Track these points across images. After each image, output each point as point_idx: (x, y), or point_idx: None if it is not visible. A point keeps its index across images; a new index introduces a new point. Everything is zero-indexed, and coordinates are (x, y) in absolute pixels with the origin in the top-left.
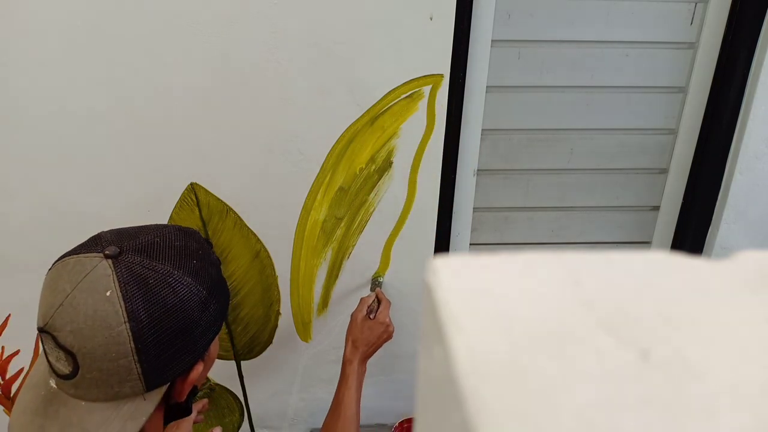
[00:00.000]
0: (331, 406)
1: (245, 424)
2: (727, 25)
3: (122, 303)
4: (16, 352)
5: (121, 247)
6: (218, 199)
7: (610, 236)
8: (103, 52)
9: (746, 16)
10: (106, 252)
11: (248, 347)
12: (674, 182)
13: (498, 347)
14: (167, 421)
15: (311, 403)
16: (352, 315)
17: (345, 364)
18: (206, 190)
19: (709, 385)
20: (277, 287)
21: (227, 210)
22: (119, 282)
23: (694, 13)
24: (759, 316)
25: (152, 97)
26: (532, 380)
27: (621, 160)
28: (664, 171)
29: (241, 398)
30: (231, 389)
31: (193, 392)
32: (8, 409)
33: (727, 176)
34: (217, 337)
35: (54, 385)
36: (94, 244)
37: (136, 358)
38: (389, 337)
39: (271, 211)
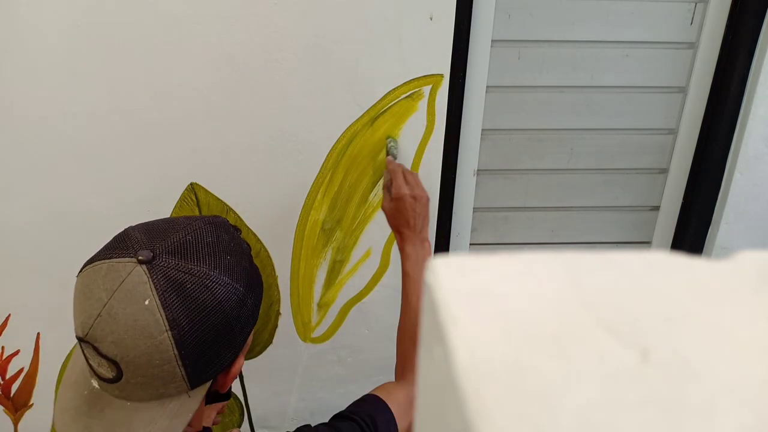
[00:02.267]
0: (401, 304)
1: (245, 424)
2: (727, 25)
3: (162, 311)
4: (16, 352)
5: (153, 249)
6: (218, 199)
7: (610, 236)
8: (103, 53)
9: (746, 16)
10: (140, 257)
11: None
12: (674, 182)
13: (498, 347)
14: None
15: (311, 403)
16: (382, 207)
17: (401, 252)
18: (206, 190)
19: (709, 385)
20: (277, 287)
21: (227, 210)
22: (156, 290)
23: (694, 13)
24: (759, 316)
25: (152, 97)
26: (532, 380)
27: (621, 160)
28: (664, 171)
29: (241, 398)
30: (231, 389)
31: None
32: (8, 409)
33: (727, 176)
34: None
35: (97, 386)
36: (124, 246)
37: (179, 363)
38: (420, 200)
39: (271, 211)
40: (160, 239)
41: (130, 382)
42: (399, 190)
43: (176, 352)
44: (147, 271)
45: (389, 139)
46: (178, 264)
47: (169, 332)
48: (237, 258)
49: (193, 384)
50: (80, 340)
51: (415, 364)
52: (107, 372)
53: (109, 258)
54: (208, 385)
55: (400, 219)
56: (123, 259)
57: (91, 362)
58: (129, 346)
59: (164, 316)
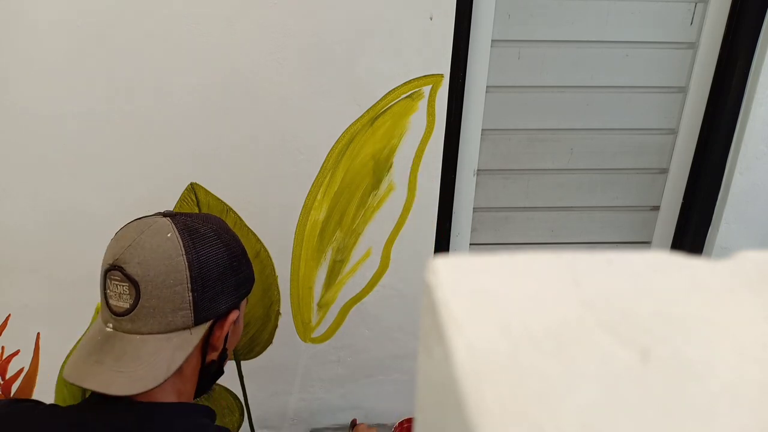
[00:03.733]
0: None
1: (245, 424)
2: (727, 25)
3: (180, 241)
4: (16, 352)
5: (173, 215)
6: (218, 199)
7: (610, 236)
8: (104, 53)
9: (746, 16)
10: (164, 213)
11: (248, 347)
12: (674, 182)
13: (498, 347)
14: (203, 382)
15: (311, 403)
16: None
17: None
18: (206, 190)
19: (709, 385)
20: (277, 287)
21: (227, 210)
22: (177, 230)
23: (694, 13)
24: (759, 316)
25: (153, 98)
26: (532, 380)
27: (621, 160)
28: (664, 171)
29: (241, 398)
30: (231, 389)
31: (224, 356)
32: None
33: (727, 176)
34: (244, 306)
35: (110, 328)
36: (148, 215)
37: (189, 286)
38: None
39: (271, 211)
40: (177, 215)
41: (145, 306)
42: None
43: (188, 273)
44: (170, 220)
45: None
46: (194, 223)
47: (184, 256)
48: (235, 238)
49: (197, 318)
50: (110, 268)
51: None
52: (125, 302)
53: (138, 219)
54: (207, 326)
55: None
56: (151, 216)
57: (110, 299)
58: (150, 266)
59: (182, 244)
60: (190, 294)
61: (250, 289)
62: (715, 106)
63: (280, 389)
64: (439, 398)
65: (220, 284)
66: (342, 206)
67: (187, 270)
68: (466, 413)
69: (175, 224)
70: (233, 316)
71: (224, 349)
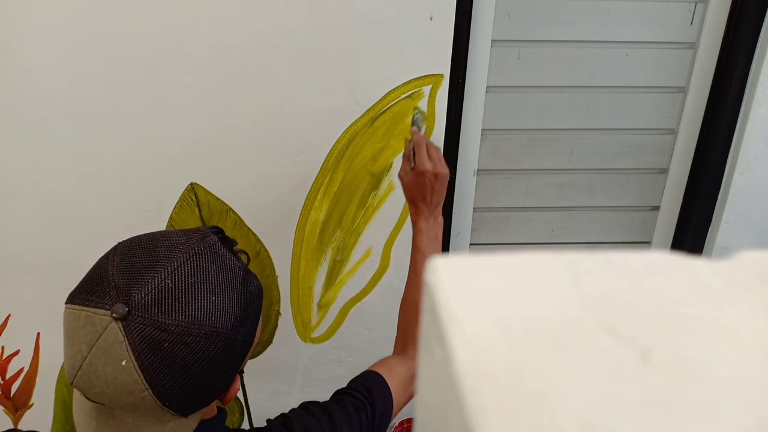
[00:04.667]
0: (408, 278)
1: (245, 424)
2: (727, 25)
3: (140, 373)
4: (16, 352)
5: (129, 300)
6: (218, 199)
7: (610, 236)
8: (103, 52)
9: (746, 16)
10: (114, 314)
11: None
12: (674, 182)
13: (498, 347)
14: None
15: None
16: (399, 175)
17: (413, 225)
18: (206, 190)
19: (709, 385)
20: (277, 287)
21: (227, 210)
22: (133, 351)
23: (694, 13)
24: (759, 316)
25: (152, 97)
26: (532, 380)
27: (621, 160)
28: (664, 171)
29: (241, 398)
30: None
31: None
32: (8, 409)
33: (727, 176)
34: (257, 336)
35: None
36: (101, 291)
37: (168, 409)
38: (441, 178)
39: (271, 211)
40: (137, 284)
41: (123, 414)
42: (422, 164)
43: (160, 404)
44: (122, 329)
45: (416, 110)
46: (154, 320)
47: (149, 391)
48: (224, 293)
49: (188, 413)
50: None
51: (417, 338)
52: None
53: (86, 305)
54: (205, 408)
55: (417, 193)
56: (99, 310)
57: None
58: (113, 398)
59: (142, 377)
60: (170, 410)
61: (260, 308)
62: (715, 106)
63: (280, 389)
64: (439, 398)
65: (209, 382)
66: (342, 206)
67: (158, 401)
68: (466, 413)
69: (129, 340)
70: (236, 385)
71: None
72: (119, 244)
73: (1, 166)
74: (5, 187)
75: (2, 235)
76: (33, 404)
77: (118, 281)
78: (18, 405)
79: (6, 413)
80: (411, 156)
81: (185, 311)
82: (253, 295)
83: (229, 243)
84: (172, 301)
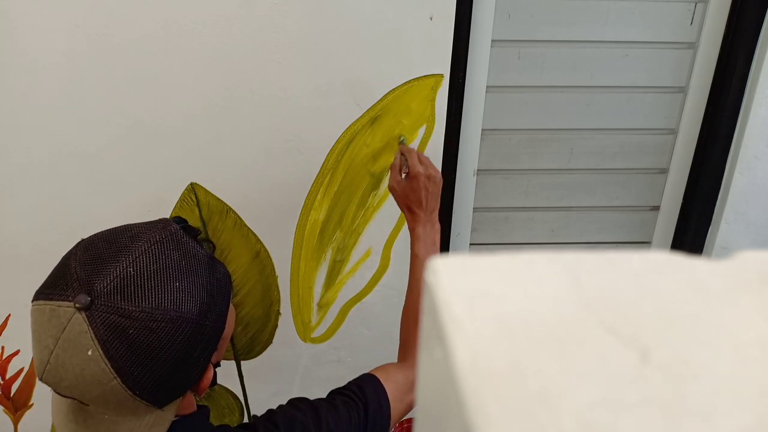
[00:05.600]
0: (408, 286)
1: None
2: (727, 25)
3: (107, 361)
4: (16, 352)
5: (92, 290)
6: (218, 199)
7: (610, 236)
8: (104, 53)
9: (746, 16)
10: (77, 305)
11: (248, 347)
12: (674, 182)
13: (498, 347)
14: None
15: None
16: (388, 187)
17: (410, 232)
18: (206, 190)
19: (709, 385)
20: (277, 287)
21: (227, 210)
22: (98, 339)
23: (694, 13)
24: (759, 316)
25: (152, 97)
26: (532, 380)
27: (621, 160)
28: (664, 171)
29: (241, 398)
30: (231, 389)
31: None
32: (8, 409)
33: (727, 176)
34: (228, 324)
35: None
36: (64, 283)
37: (139, 399)
38: (434, 180)
39: (271, 211)
40: (99, 275)
41: (99, 410)
42: (415, 167)
43: (130, 393)
44: (86, 319)
45: (401, 137)
46: (117, 307)
47: (118, 379)
48: (189, 278)
49: (162, 404)
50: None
51: (417, 346)
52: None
53: (50, 299)
54: (179, 399)
55: (413, 198)
56: (63, 303)
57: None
58: (83, 391)
59: (109, 366)
60: (142, 401)
61: (228, 308)
62: (715, 106)
63: (280, 389)
64: (440, 398)
65: (180, 369)
66: (342, 206)
67: (128, 390)
68: (466, 413)
69: (93, 329)
70: (209, 374)
71: (214, 374)
72: (82, 240)
73: (1, 166)
74: (5, 187)
75: (2, 235)
76: (33, 404)
77: (80, 273)
78: (18, 405)
79: (6, 413)
80: (401, 164)
81: (148, 297)
82: (221, 281)
83: (192, 232)
84: (134, 288)
